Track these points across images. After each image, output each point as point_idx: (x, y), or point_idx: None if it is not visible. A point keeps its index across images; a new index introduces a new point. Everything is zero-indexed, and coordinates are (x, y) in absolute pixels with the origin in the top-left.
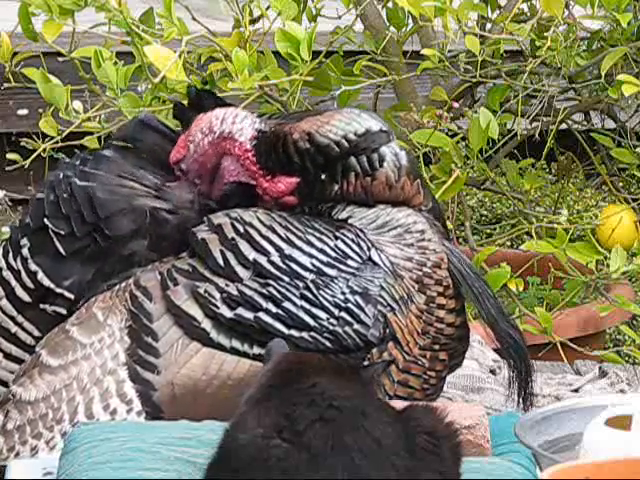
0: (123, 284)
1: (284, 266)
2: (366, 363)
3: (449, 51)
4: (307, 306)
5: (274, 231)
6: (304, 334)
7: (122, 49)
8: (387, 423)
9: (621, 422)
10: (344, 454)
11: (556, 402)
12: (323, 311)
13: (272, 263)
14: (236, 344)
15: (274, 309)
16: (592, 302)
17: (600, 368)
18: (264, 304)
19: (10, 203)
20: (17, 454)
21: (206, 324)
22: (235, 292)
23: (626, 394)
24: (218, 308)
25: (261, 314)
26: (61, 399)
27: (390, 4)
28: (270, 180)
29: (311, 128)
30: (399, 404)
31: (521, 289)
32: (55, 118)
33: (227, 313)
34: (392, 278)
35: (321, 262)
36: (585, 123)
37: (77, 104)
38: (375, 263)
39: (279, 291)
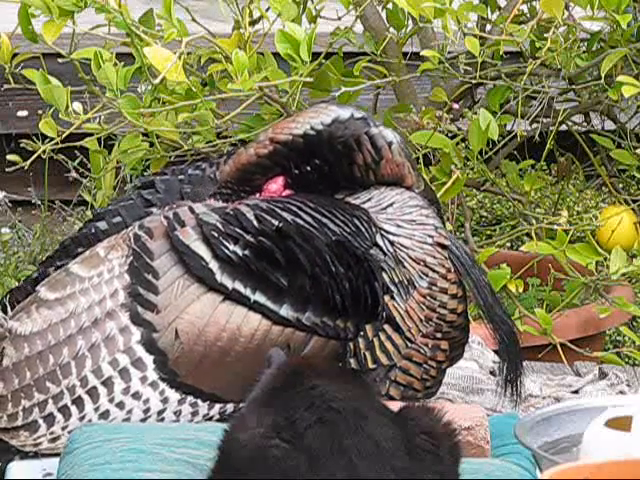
0: (129, 228)
1: (311, 220)
2: (361, 338)
3: (449, 52)
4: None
5: (306, 200)
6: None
7: (122, 50)
8: (386, 424)
9: (621, 423)
10: (343, 455)
11: (556, 403)
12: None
13: (302, 217)
14: (239, 286)
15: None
16: (592, 303)
17: (600, 369)
18: (287, 216)
19: (10, 204)
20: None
21: (213, 265)
22: (263, 205)
23: (626, 395)
24: (229, 244)
25: (283, 224)
26: (58, 336)
27: (390, 5)
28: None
29: (273, 133)
30: (397, 404)
31: (521, 290)
32: (55, 119)
33: (240, 250)
34: (393, 262)
35: (343, 230)
36: (585, 124)
37: (77, 105)
38: (379, 247)
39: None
